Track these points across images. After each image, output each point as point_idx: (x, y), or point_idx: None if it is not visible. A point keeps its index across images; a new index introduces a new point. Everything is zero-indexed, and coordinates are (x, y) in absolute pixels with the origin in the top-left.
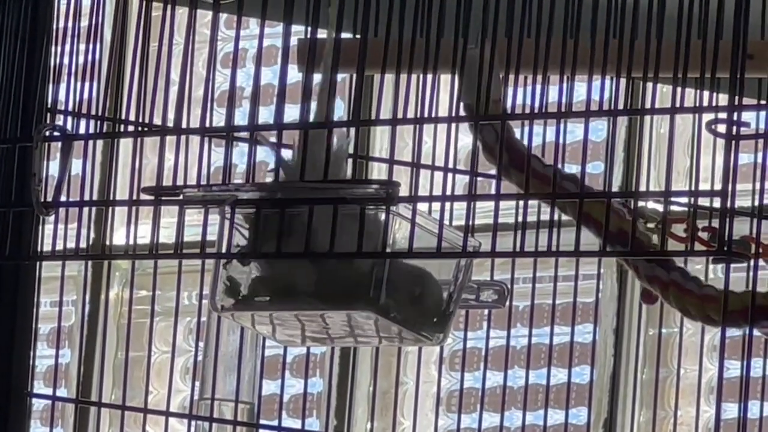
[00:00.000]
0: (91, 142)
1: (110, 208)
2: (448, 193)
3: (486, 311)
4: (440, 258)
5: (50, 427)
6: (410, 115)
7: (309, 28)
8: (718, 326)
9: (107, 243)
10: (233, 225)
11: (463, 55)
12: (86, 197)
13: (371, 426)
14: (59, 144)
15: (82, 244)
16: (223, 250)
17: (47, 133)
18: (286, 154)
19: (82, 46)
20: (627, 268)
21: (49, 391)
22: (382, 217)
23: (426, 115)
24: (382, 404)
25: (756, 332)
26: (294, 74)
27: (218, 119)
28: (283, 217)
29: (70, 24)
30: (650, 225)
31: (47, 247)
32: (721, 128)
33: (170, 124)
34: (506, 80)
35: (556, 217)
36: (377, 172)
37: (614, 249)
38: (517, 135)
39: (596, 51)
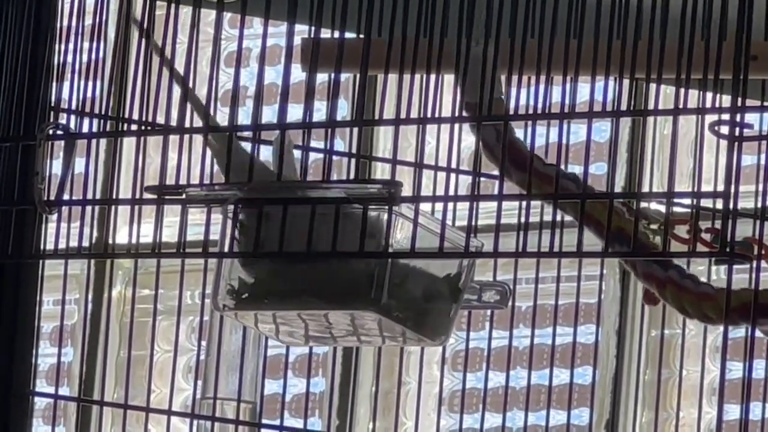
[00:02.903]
0: (94, 141)
1: (113, 207)
2: (451, 193)
3: (488, 312)
4: (443, 258)
5: (52, 426)
6: (413, 115)
7: (313, 28)
8: (715, 324)
9: (110, 242)
10: (235, 225)
11: (467, 54)
12: (89, 196)
13: (373, 426)
14: (62, 142)
15: (85, 243)
16: (226, 250)
17: (50, 132)
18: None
19: (86, 45)
20: (626, 267)
21: (51, 390)
22: (383, 217)
23: (429, 115)
24: (384, 404)
25: (758, 333)
26: (298, 74)
27: (221, 118)
28: (285, 217)
29: (73, 22)
30: (653, 226)
31: (50, 246)
32: (724, 129)
33: (173, 123)
34: (509, 81)
35: (558, 218)
36: (380, 172)
37: (614, 249)
38: (520, 135)
39: (599, 52)
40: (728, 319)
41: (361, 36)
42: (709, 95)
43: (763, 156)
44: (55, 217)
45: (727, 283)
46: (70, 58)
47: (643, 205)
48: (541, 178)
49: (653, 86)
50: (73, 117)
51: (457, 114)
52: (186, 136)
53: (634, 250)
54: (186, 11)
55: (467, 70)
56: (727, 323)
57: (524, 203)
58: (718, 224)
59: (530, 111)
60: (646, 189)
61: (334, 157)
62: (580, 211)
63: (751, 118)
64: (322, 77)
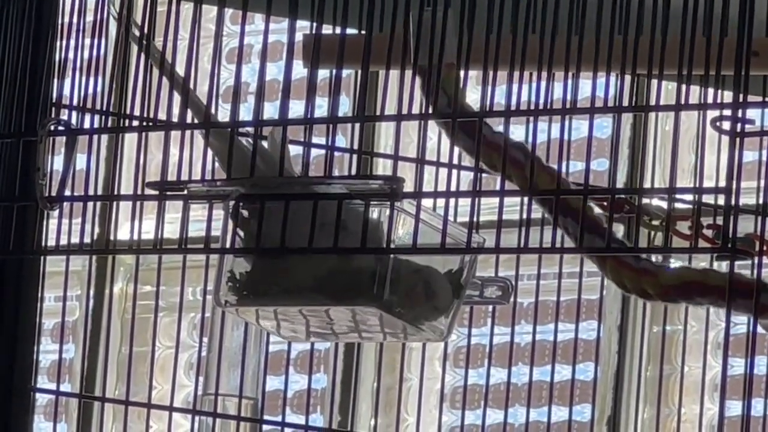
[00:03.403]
0: (95, 137)
1: (114, 203)
2: (453, 189)
3: (490, 308)
4: (444, 254)
5: (54, 422)
6: (415, 111)
7: (314, 24)
8: (653, 301)
9: (111, 238)
10: (236, 221)
11: (420, 18)
12: (90, 192)
13: (375, 422)
14: (64, 138)
15: (86, 239)
16: (227, 246)
17: (52, 128)
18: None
19: (87, 41)
20: (569, 237)
21: (52, 386)
22: (378, 214)
23: (431, 111)
24: (386, 400)
25: (760, 329)
26: (299, 70)
27: (223, 115)
28: (287, 212)
29: (75, 19)
30: (654, 222)
31: (51, 242)
32: (726, 125)
33: (175, 119)
34: (511, 77)
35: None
36: (382, 167)
37: (566, 221)
38: (522, 132)
39: (601, 48)
40: (667, 297)
41: (363, 32)
42: (711, 91)
43: (764, 152)
44: (56, 213)
45: (728, 279)
46: (71, 55)
47: (645, 201)
48: (489, 146)
49: (655, 82)
50: (74, 113)
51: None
52: (187, 132)
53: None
54: (187, 7)
55: (419, 34)
56: (663, 300)
57: (526, 199)
58: (719, 220)
59: (532, 107)
60: (647, 185)
61: (336, 153)
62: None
63: (752, 113)
64: (323, 73)
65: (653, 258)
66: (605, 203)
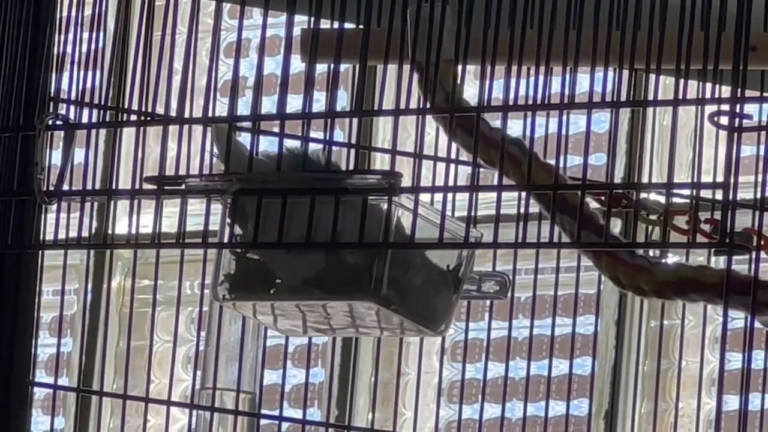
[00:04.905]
0: (93, 132)
1: (112, 198)
2: (451, 184)
3: (488, 302)
4: (442, 249)
5: (52, 416)
6: (413, 105)
7: (312, 18)
8: (647, 297)
9: (109, 232)
10: (235, 215)
11: (418, 13)
12: (89, 186)
13: (372, 416)
14: (62, 133)
15: (85, 233)
16: (225, 240)
17: (50, 122)
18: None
19: (86, 35)
20: (564, 234)
21: (50, 380)
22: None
23: (428, 105)
24: (383, 395)
25: (757, 324)
26: (297, 64)
27: (221, 109)
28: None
29: (73, 13)
30: (652, 217)
31: (49, 236)
32: (724, 120)
33: (173, 113)
34: (509, 71)
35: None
36: (380, 162)
37: (563, 217)
38: (520, 127)
39: (599, 42)
40: (662, 293)
41: (361, 26)
42: (709, 86)
43: (762, 147)
44: (54, 207)
45: (726, 273)
46: (69, 49)
47: (643, 195)
48: (487, 141)
49: (653, 77)
50: (72, 107)
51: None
52: (185, 127)
53: (579, 222)
54: (186, 1)
55: (417, 29)
56: (659, 296)
57: (523, 194)
58: (717, 215)
59: (530, 102)
60: (645, 180)
61: (334, 148)
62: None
63: (750, 108)
64: (321, 68)
65: (651, 253)
66: (603, 198)
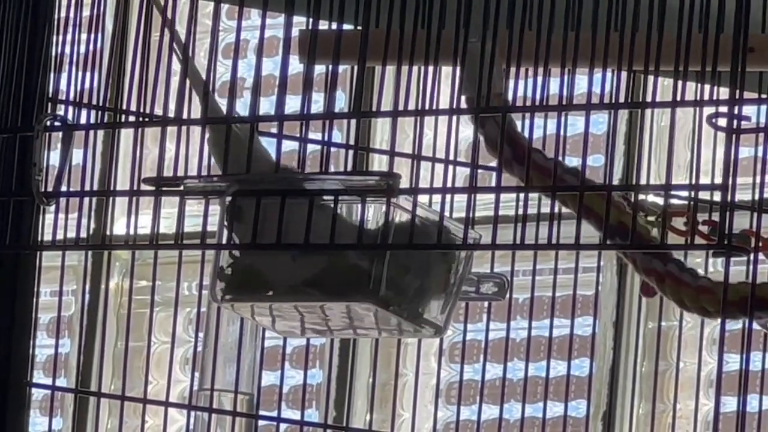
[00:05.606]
0: (91, 132)
1: (110, 199)
2: (449, 185)
3: (486, 303)
4: (440, 250)
5: (50, 417)
6: (411, 106)
7: (311, 19)
8: (713, 318)
9: (107, 233)
10: (233, 216)
11: (464, 48)
12: (87, 187)
13: (370, 417)
14: (60, 134)
15: (83, 234)
16: (224, 241)
17: (48, 123)
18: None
19: (84, 36)
20: (626, 261)
21: (48, 381)
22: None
23: (427, 107)
24: (381, 396)
25: (755, 326)
26: (295, 65)
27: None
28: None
29: (71, 14)
30: (650, 218)
31: (47, 237)
32: (722, 122)
33: (171, 114)
34: (507, 73)
35: (556, 210)
36: (378, 163)
37: (614, 242)
38: (518, 128)
39: (597, 44)
40: (726, 312)
41: (359, 27)
42: (707, 87)
43: (760, 148)
44: (52, 208)
45: (724, 275)
46: (68, 49)
47: (641, 197)
48: (542, 172)
49: (651, 78)
50: (70, 108)
51: (454, 106)
52: (184, 128)
53: (632, 243)
54: (184, 2)
55: (465, 65)
56: (725, 317)
57: (522, 195)
58: (715, 216)
59: (528, 103)
60: (643, 181)
61: (332, 149)
62: (578, 203)
63: (748, 110)
64: (319, 69)
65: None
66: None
